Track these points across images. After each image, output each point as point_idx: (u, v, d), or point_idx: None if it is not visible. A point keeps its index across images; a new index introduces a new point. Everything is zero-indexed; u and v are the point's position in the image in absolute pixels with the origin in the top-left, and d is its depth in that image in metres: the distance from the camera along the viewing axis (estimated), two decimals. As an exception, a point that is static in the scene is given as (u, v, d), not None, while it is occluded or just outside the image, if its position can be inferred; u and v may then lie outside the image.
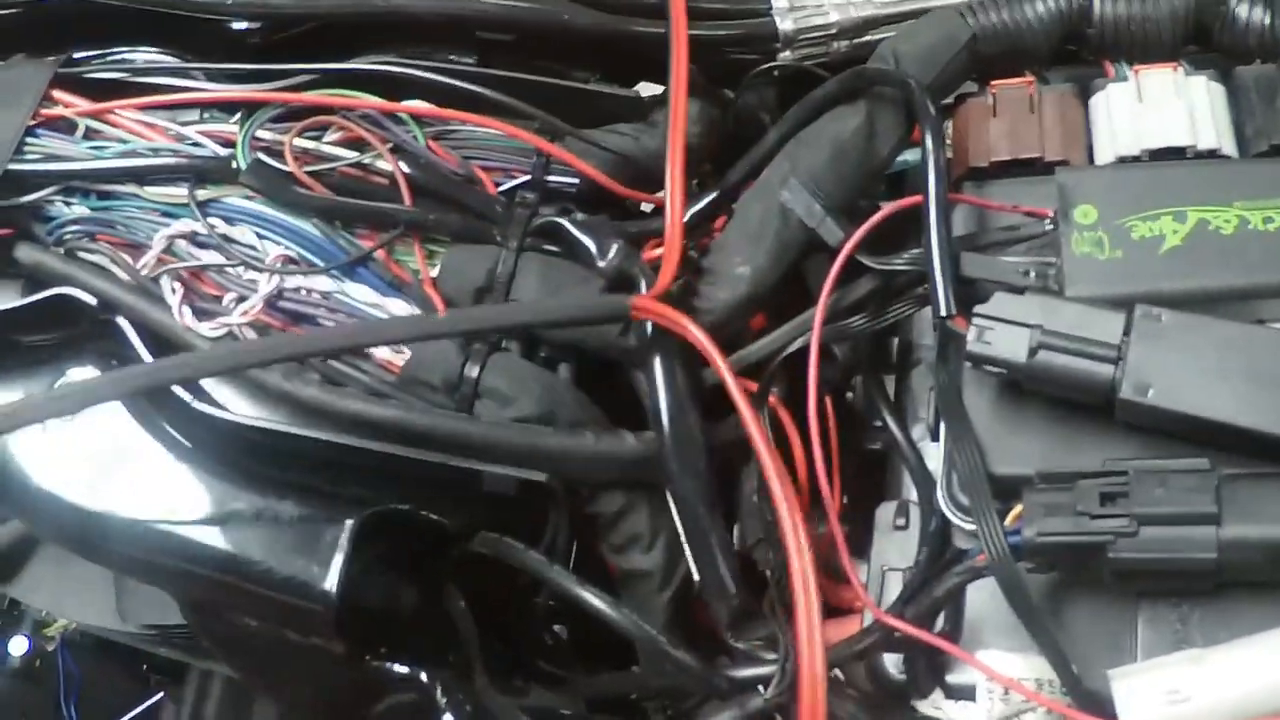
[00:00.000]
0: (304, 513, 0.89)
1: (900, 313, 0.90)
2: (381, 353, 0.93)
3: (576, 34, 1.03)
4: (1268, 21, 0.90)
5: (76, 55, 1.03)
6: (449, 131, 1.00)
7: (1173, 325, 0.74)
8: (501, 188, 0.99)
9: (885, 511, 0.89)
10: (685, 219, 0.91)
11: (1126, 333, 0.74)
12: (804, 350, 0.86)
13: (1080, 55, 0.97)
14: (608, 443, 0.91)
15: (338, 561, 0.85)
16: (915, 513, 0.87)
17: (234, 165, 0.96)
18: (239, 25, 1.05)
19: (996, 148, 0.91)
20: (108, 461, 0.92)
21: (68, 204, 0.99)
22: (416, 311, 0.94)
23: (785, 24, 1.04)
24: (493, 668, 0.94)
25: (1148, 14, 0.92)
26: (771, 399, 0.91)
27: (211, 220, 0.96)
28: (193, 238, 0.96)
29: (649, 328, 0.88)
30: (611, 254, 0.92)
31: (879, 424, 0.93)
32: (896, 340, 0.98)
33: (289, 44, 1.05)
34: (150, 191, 0.98)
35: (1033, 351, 0.75)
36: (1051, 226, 0.83)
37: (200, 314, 0.95)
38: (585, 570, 0.91)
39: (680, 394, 0.88)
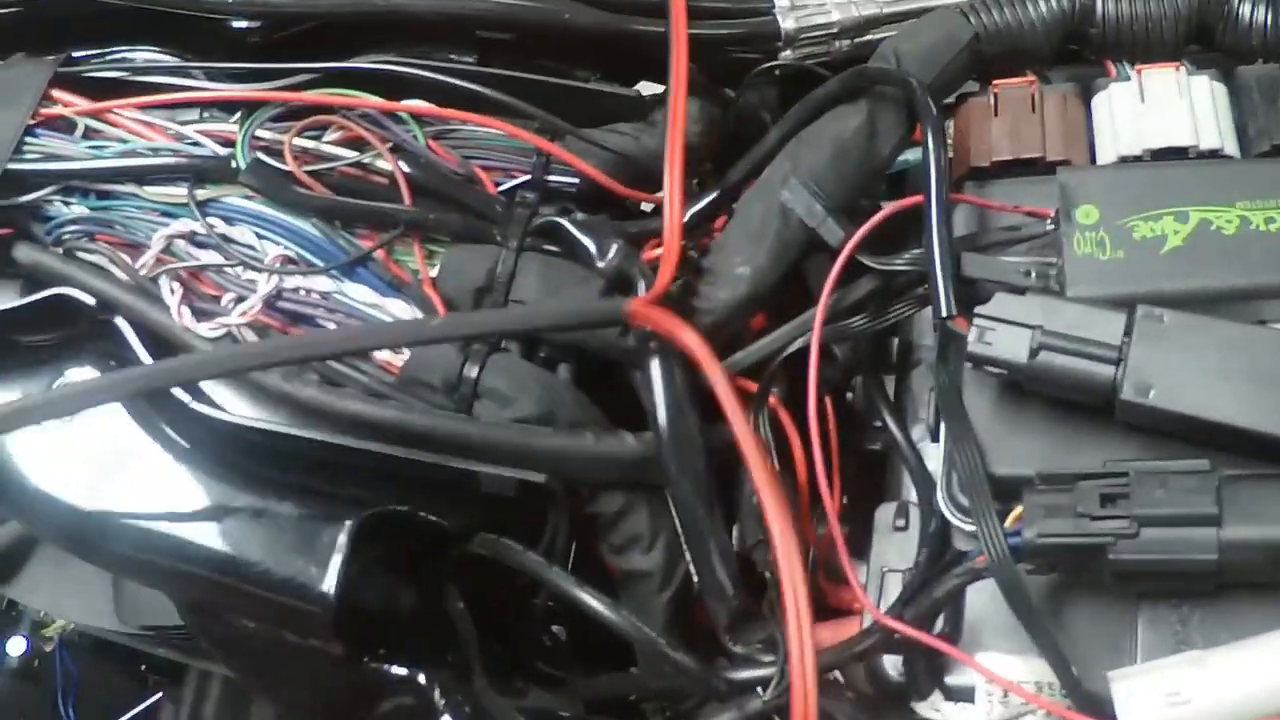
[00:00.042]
0: (302, 514, 0.88)
1: (901, 313, 0.90)
2: (381, 353, 0.92)
3: (577, 33, 1.03)
4: (1270, 21, 0.90)
5: (76, 54, 1.03)
6: (449, 131, 0.99)
7: (1174, 326, 0.74)
8: (501, 187, 0.98)
9: (885, 512, 0.89)
10: (685, 219, 0.91)
11: (1128, 333, 0.74)
12: (804, 350, 0.86)
13: (1082, 55, 0.97)
14: (607, 443, 0.90)
15: (336, 563, 0.85)
16: (915, 514, 0.87)
17: (233, 165, 0.96)
18: (239, 24, 1.04)
19: (998, 147, 0.90)
20: (106, 462, 0.92)
21: (67, 204, 0.98)
22: (416, 312, 0.93)
23: (787, 23, 1.04)
24: (491, 669, 0.94)
25: (1150, 13, 0.92)
26: (771, 399, 0.91)
27: (211, 220, 0.96)
28: (192, 237, 0.96)
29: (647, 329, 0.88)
30: (611, 254, 0.91)
31: (879, 424, 0.93)
32: (897, 340, 0.98)
33: (289, 43, 1.04)
34: (149, 191, 0.98)
35: (1034, 352, 0.75)
36: (1053, 226, 0.83)
37: (199, 314, 0.95)
38: (585, 571, 0.91)
39: (679, 395, 0.87)
